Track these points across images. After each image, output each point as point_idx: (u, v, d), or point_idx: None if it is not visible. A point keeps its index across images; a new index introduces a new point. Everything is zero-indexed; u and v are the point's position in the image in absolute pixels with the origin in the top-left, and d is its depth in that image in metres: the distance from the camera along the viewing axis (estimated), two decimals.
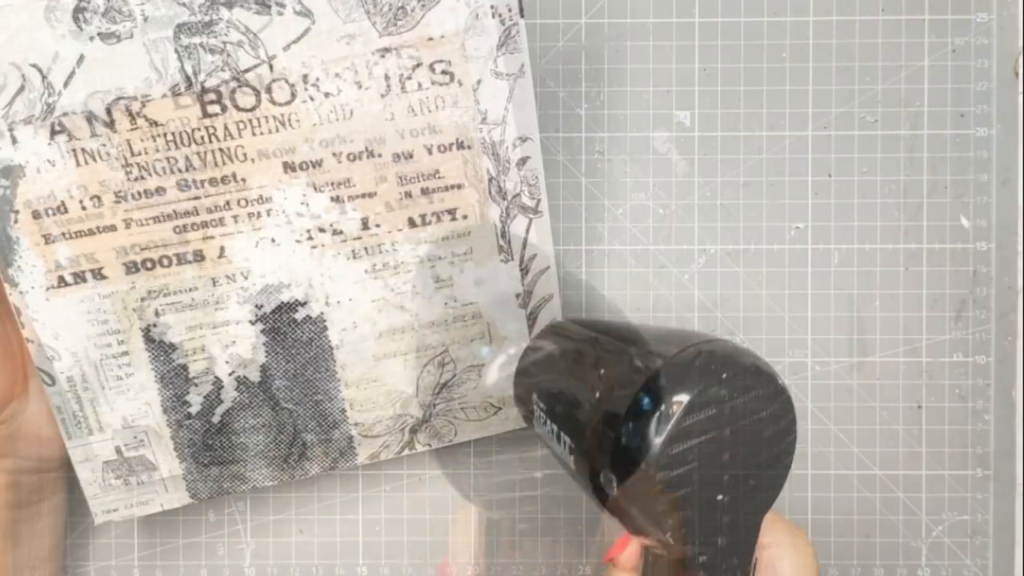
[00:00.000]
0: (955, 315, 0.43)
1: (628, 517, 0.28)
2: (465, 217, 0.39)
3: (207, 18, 0.34)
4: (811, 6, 0.43)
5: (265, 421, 0.40)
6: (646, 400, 0.27)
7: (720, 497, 0.28)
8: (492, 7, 0.36)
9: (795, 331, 0.44)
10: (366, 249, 0.38)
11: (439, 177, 0.38)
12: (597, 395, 0.29)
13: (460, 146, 0.37)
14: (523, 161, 0.38)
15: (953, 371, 0.43)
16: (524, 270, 0.40)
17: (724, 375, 0.27)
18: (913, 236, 0.43)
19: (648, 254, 0.44)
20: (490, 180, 0.38)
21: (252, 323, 0.39)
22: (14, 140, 0.35)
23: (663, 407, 0.27)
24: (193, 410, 0.39)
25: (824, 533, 0.44)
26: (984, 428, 0.43)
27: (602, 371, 0.30)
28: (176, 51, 0.35)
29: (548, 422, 0.33)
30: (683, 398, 0.27)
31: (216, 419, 0.40)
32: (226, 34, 0.35)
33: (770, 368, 0.28)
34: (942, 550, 0.43)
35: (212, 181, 0.36)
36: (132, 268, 0.37)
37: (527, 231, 0.39)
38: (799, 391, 0.44)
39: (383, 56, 0.36)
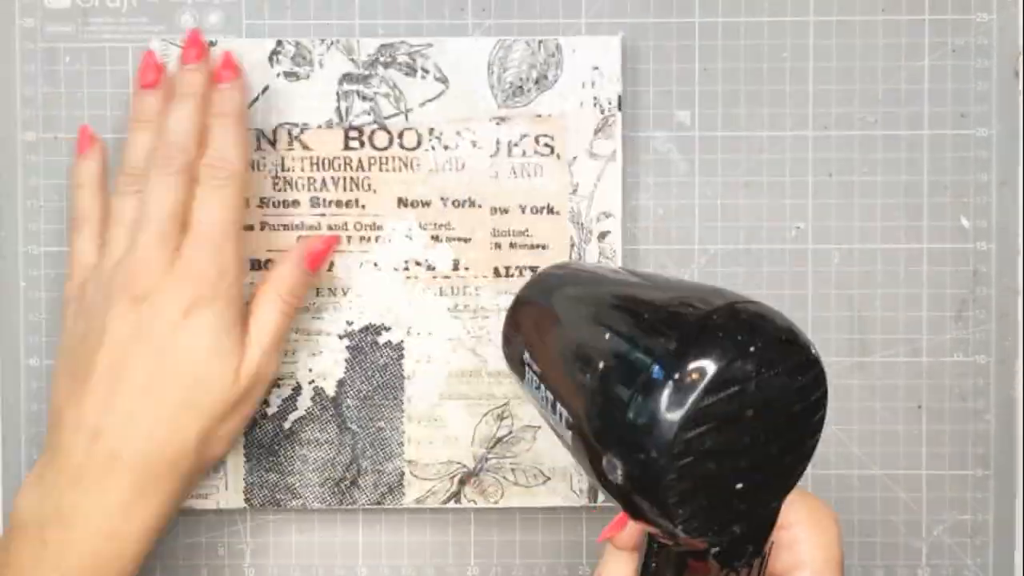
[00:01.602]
0: (955, 315, 0.44)
1: (633, 505, 0.25)
2: None
3: (367, 72, 0.42)
4: (811, 6, 0.43)
5: (329, 438, 0.42)
6: (661, 373, 0.23)
7: (739, 486, 0.24)
8: (595, 98, 0.42)
9: None
10: (452, 288, 0.42)
11: (528, 235, 0.42)
12: (602, 364, 0.26)
13: (550, 211, 0.42)
14: (604, 235, 0.42)
15: (953, 371, 0.43)
16: None
17: (752, 347, 0.23)
18: (913, 236, 0.43)
19: (648, 254, 0.44)
20: (572, 246, 0.42)
21: (340, 337, 0.42)
22: None
23: (682, 382, 0.23)
24: (271, 411, 0.42)
25: None
26: (984, 428, 0.43)
27: (608, 334, 0.26)
28: (336, 94, 0.42)
29: (542, 387, 0.29)
30: (707, 371, 0.23)
31: (288, 425, 0.42)
32: (378, 87, 0.42)
33: (803, 335, 0.25)
34: (942, 550, 0.44)
35: (338, 203, 0.42)
36: (255, 266, 0.42)
37: None
38: None
39: (498, 124, 0.42)
